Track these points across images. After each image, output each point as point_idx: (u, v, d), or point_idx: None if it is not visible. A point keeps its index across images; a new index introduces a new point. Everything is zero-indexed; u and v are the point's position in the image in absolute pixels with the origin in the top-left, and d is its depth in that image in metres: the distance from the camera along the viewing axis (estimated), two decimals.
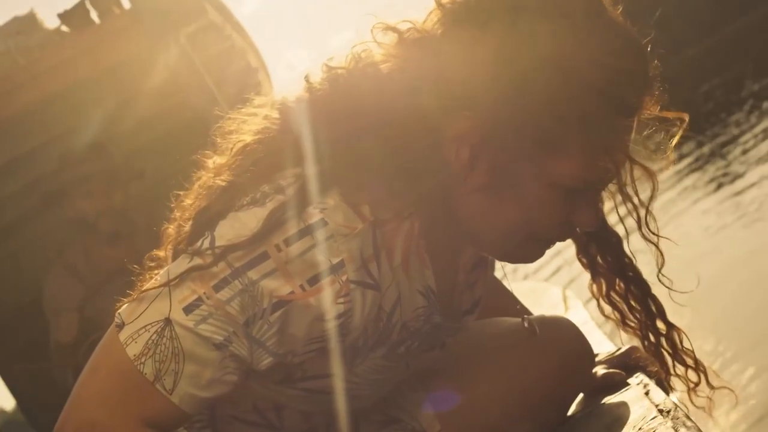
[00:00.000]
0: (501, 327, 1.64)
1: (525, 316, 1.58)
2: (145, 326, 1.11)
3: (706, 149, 10.09)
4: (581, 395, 1.70)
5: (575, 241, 1.50)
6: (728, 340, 3.93)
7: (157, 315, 1.11)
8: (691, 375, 1.50)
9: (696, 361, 1.51)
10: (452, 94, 1.15)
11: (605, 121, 1.15)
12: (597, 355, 1.75)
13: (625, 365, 1.69)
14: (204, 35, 4.20)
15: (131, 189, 3.69)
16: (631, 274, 1.48)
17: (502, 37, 1.14)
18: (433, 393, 1.51)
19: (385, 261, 1.20)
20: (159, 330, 1.10)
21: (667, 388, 1.56)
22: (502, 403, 1.53)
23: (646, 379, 1.64)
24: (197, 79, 3.86)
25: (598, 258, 1.49)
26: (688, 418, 1.37)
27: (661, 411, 1.43)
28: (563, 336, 1.59)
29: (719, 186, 7.71)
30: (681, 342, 1.49)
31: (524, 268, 7.33)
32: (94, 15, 4.15)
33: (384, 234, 1.19)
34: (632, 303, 1.49)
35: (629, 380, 1.67)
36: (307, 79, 1.25)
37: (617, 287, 1.50)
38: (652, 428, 1.38)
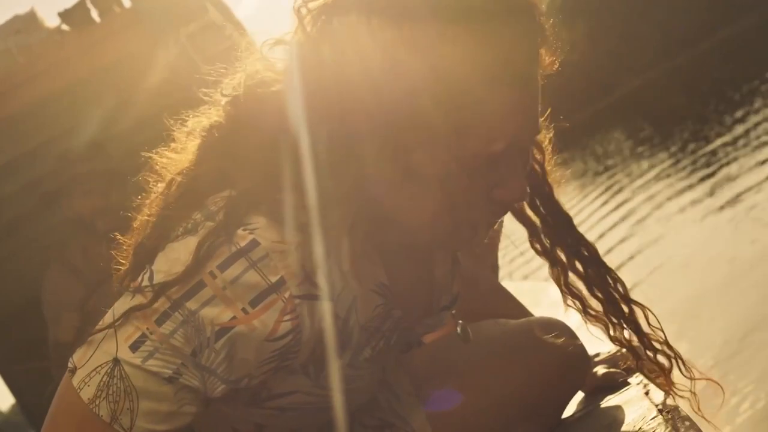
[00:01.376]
0: (496, 329, 1.64)
1: (459, 321, 1.53)
2: (96, 368, 1.11)
3: (705, 149, 10.12)
4: (582, 395, 1.70)
5: (526, 227, 1.50)
6: (729, 341, 3.94)
7: (105, 356, 1.11)
8: (662, 360, 1.50)
9: (666, 344, 1.51)
10: (338, 98, 1.14)
11: (485, 92, 1.12)
12: (598, 354, 1.75)
13: (626, 364, 1.69)
14: (204, 34, 4.20)
15: (130, 188, 3.68)
16: (586, 254, 1.48)
17: (363, 31, 1.12)
18: (428, 395, 1.51)
19: (334, 268, 1.18)
20: (109, 371, 1.10)
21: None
22: (495, 406, 1.53)
23: (646, 379, 1.65)
24: (197, 79, 3.85)
25: (551, 243, 1.49)
26: (688, 418, 1.37)
27: (661, 411, 1.43)
28: (553, 337, 1.59)
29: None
30: (648, 322, 1.49)
31: (525, 267, 7.34)
32: (94, 14, 4.16)
33: (327, 241, 1.17)
34: (592, 288, 1.49)
35: (629, 380, 1.68)
36: (215, 104, 1.26)
37: (575, 271, 1.49)
38: (652, 428, 1.39)
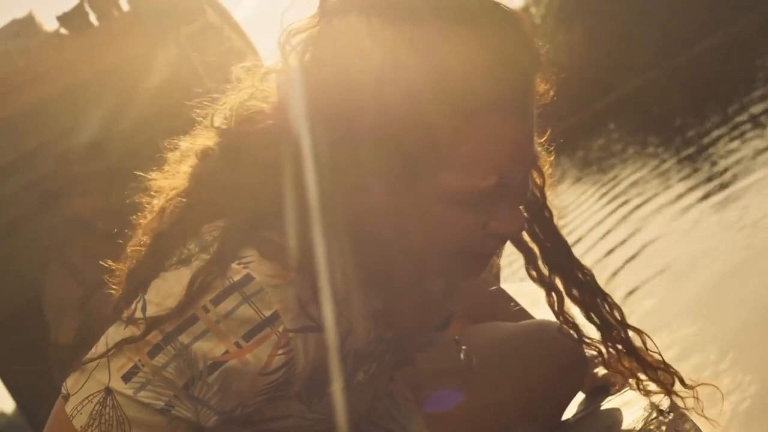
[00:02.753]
0: (496, 332, 1.65)
1: (463, 347, 1.54)
2: (88, 397, 1.11)
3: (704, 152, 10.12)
4: (582, 396, 1.70)
5: (523, 254, 1.47)
6: (729, 341, 3.94)
7: (97, 385, 1.11)
8: (664, 377, 1.49)
9: (665, 366, 1.49)
10: (333, 127, 1.11)
11: (475, 125, 1.08)
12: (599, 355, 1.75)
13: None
14: (203, 36, 4.20)
15: (129, 189, 3.68)
16: (583, 280, 1.46)
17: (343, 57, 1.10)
18: (428, 397, 1.51)
19: (328, 299, 1.17)
20: (101, 399, 1.10)
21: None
22: (495, 407, 1.54)
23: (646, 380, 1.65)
24: (196, 81, 3.85)
25: (549, 270, 1.46)
26: (688, 418, 1.37)
27: (661, 411, 1.43)
28: (551, 339, 1.59)
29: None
30: (645, 346, 1.48)
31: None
32: (92, 17, 4.15)
33: (323, 274, 1.16)
34: (589, 314, 1.47)
35: (630, 380, 1.68)
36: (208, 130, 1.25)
37: (572, 298, 1.47)
38: (652, 429, 1.39)
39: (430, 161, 1.09)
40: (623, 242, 7.30)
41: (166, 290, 1.13)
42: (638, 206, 8.75)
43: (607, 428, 1.50)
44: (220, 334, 1.10)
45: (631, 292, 5.61)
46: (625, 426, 1.47)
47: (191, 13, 4.09)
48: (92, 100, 3.99)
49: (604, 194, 10.95)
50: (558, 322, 1.63)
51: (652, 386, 1.57)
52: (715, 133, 10.86)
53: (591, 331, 1.53)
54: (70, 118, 3.97)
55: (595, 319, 1.47)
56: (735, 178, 7.70)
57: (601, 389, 1.68)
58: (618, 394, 1.64)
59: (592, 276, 1.47)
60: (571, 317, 1.49)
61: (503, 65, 1.08)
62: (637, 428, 1.43)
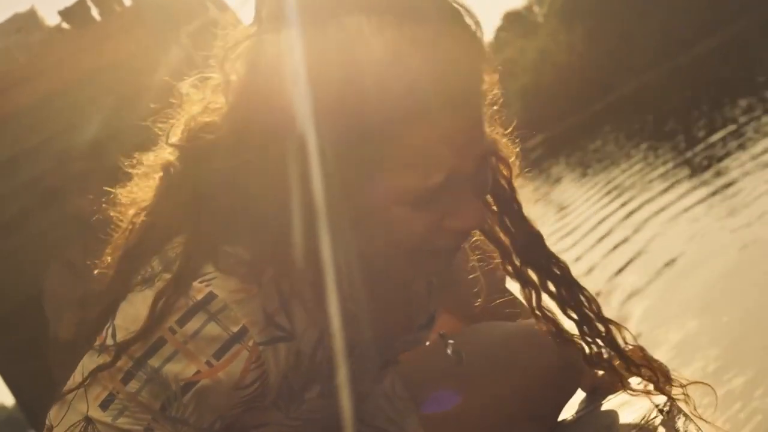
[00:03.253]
0: (495, 331, 1.65)
1: (450, 342, 1.52)
2: (70, 427, 1.11)
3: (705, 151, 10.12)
4: (582, 394, 1.70)
5: (497, 248, 1.44)
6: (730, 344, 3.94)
7: (77, 415, 1.12)
8: (646, 373, 1.47)
9: (647, 358, 1.48)
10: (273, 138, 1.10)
11: (415, 125, 1.06)
12: (600, 353, 1.75)
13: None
14: (205, 33, 4.19)
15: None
16: (558, 273, 1.44)
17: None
18: (426, 397, 1.51)
19: (296, 306, 1.18)
20: (82, 429, 1.11)
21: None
22: (493, 406, 1.54)
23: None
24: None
25: (522, 262, 1.43)
26: (689, 418, 1.37)
27: (661, 411, 1.44)
28: (548, 339, 1.59)
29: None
30: (624, 341, 1.45)
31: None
32: (95, 12, 4.15)
33: (289, 281, 1.16)
34: (565, 308, 1.45)
35: (630, 380, 1.68)
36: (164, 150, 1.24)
37: (548, 292, 1.44)
38: (652, 428, 1.39)
39: (376, 164, 1.08)
40: (624, 241, 7.30)
41: (133, 314, 1.12)
42: (638, 207, 8.76)
43: (606, 427, 1.50)
44: (189, 355, 1.10)
45: (631, 294, 5.62)
46: (624, 425, 1.47)
47: (194, 9, 4.09)
48: (94, 97, 3.99)
49: (604, 195, 10.96)
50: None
51: (649, 386, 1.58)
52: (714, 133, 10.86)
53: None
54: (72, 114, 3.97)
55: (572, 313, 1.44)
56: (734, 178, 7.71)
57: (600, 388, 1.68)
58: (618, 393, 1.64)
59: (567, 268, 1.44)
60: (551, 312, 1.46)
61: (440, 63, 1.06)
62: (638, 427, 1.43)
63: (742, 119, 10.81)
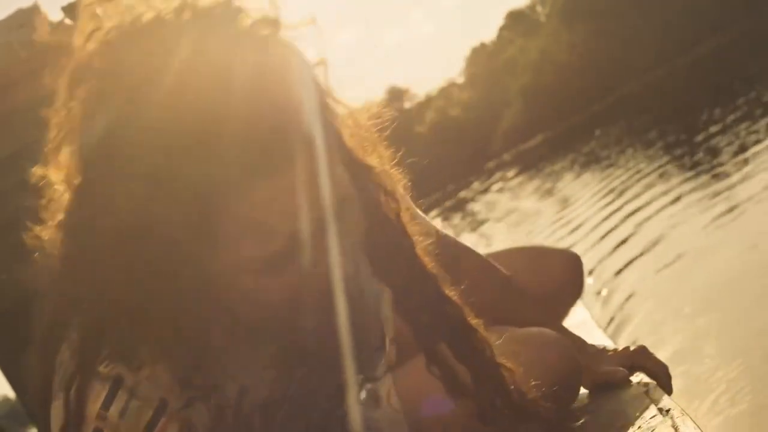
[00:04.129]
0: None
1: (368, 386, 1.44)
2: None
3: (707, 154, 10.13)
4: (583, 392, 1.70)
5: (390, 287, 1.36)
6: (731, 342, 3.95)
7: None
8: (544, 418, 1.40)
9: (536, 402, 1.39)
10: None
11: (232, 197, 1.00)
12: (603, 348, 1.75)
13: (630, 363, 1.69)
14: None
15: None
16: (451, 315, 1.34)
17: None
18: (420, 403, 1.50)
19: (211, 365, 1.16)
20: None
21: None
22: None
23: (646, 378, 1.65)
24: None
25: (414, 305, 1.34)
26: (689, 417, 1.38)
27: (660, 410, 1.44)
28: (549, 344, 1.60)
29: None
30: (518, 386, 1.37)
31: None
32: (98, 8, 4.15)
33: (192, 347, 1.13)
34: (457, 353, 1.35)
35: (632, 377, 1.68)
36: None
37: (439, 335, 1.35)
38: (652, 427, 1.39)
39: (212, 236, 1.02)
40: (623, 242, 7.31)
41: (57, 416, 1.11)
42: (639, 207, 8.76)
43: (606, 426, 1.51)
44: None
45: (631, 295, 5.62)
46: (624, 424, 1.47)
47: None
48: None
49: (604, 195, 10.96)
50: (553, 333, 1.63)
51: (651, 386, 1.58)
52: (715, 134, 10.87)
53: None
54: None
55: (463, 358, 1.35)
56: (737, 178, 7.71)
57: (602, 386, 1.68)
58: (618, 391, 1.65)
59: (461, 310, 1.35)
60: (443, 356, 1.35)
61: (247, 125, 0.98)
62: (637, 426, 1.44)
63: (745, 121, 10.81)
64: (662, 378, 1.64)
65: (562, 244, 7.94)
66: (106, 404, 1.09)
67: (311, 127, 1.04)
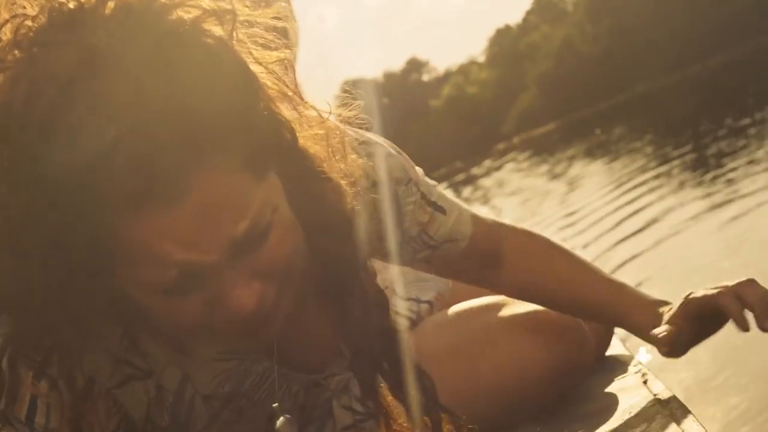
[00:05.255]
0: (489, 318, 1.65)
1: (286, 416, 1.26)
2: None
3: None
4: (582, 377, 1.70)
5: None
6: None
7: None
8: None
9: None
10: None
11: (116, 222, 0.91)
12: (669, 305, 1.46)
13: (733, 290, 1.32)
14: None
15: None
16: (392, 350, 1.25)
17: None
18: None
19: (156, 346, 1.16)
20: None
21: None
22: (492, 394, 1.57)
23: (645, 368, 1.66)
24: None
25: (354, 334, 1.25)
26: (686, 408, 1.38)
27: (659, 400, 1.44)
28: (550, 323, 1.61)
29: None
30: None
31: None
32: None
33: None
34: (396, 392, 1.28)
35: (630, 366, 1.69)
36: None
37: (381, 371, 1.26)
38: (650, 416, 1.40)
39: (110, 259, 0.94)
40: (624, 240, 7.30)
41: None
42: (641, 207, 8.74)
43: (603, 411, 1.52)
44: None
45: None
46: (621, 412, 1.48)
47: None
48: None
49: (611, 189, 10.93)
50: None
51: (650, 377, 1.59)
52: (725, 138, 10.83)
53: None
54: None
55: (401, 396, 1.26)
56: (740, 191, 7.70)
57: (600, 368, 1.69)
58: (617, 378, 1.66)
59: (400, 346, 1.26)
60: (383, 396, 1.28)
61: (127, 156, 0.87)
62: (634, 414, 1.44)
63: (755, 128, 10.77)
64: (759, 309, 1.28)
65: (568, 232, 7.92)
66: (38, 376, 1.08)
67: (220, 152, 0.93)
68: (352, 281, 1.21)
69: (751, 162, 8.23)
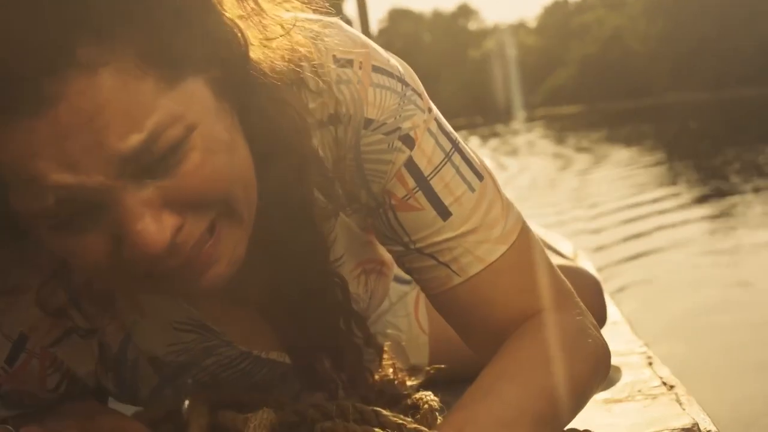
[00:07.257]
0: None
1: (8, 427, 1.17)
2: None
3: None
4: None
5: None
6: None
7: None
8: None
9: None
10: None
11: None
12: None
13: None
14: None
15: None
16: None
17: None
18: None
19: (89, 305, 1.09)
20: None
21: None
22: None
23: (650, 351, 1.68)
24: None
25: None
26: (689, 394, 1.39)
27: (664, 384, 1.45)
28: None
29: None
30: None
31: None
32: None
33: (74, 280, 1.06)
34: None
35: (635, 349, 1.71)
36: None
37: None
38: (654, 395, 1.41)
39: None
40: (624, 240, 7.30)
41: None
42: (641, 204, 8.72)
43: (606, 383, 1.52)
44: None
45: (630, 284, 5.60)
46: (623, 385, 1.49)
47: None
48: None
49: (622, 185, 10.90)
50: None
51: (655, 360, 1.61)
52: (732, 164, 10.78)
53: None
54: None
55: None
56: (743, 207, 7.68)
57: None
58: (620, 356, 1.66)
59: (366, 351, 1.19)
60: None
61: None
62: (637, 390, 1.45)
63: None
64: None
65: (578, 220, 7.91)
66: None
67: (101, 46, 0.75)
68: (297, 232, 1.02)
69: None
